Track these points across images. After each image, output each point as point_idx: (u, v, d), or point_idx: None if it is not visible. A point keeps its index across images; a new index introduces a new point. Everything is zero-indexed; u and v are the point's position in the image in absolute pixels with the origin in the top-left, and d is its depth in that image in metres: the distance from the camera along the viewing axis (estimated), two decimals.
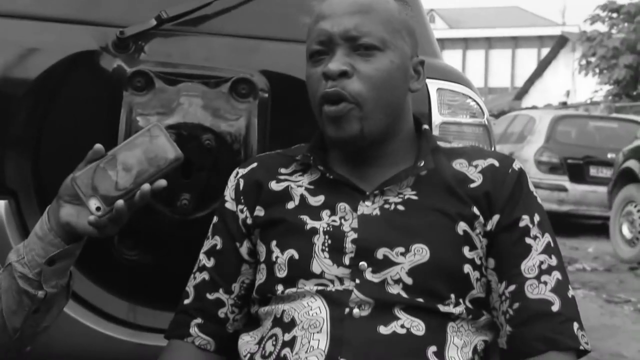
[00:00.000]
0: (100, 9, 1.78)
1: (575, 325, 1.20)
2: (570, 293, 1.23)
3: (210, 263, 1.33)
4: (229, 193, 1.35)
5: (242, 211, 1.32)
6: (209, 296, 1.31)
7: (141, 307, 1.75)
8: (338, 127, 1.22)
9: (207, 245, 1.35)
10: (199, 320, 1.30)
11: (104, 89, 1.70)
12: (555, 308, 1.19)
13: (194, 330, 1.30)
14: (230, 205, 1.34)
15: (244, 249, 1.32)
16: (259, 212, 1.30)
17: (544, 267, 1.22)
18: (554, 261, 1.23)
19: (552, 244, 1.25)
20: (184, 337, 1.31)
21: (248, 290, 1.32)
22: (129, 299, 1.75)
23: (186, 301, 1.33)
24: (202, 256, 1.35)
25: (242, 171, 1.36)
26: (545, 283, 1.21)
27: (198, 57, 1.75)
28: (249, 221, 1.31)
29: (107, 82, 1.70)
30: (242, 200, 1.32)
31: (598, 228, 8.87)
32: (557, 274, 1.22)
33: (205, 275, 1.32)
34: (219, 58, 1.75)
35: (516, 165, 1.28)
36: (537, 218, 1.25)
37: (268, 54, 1.78)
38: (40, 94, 1.70)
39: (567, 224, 8.23)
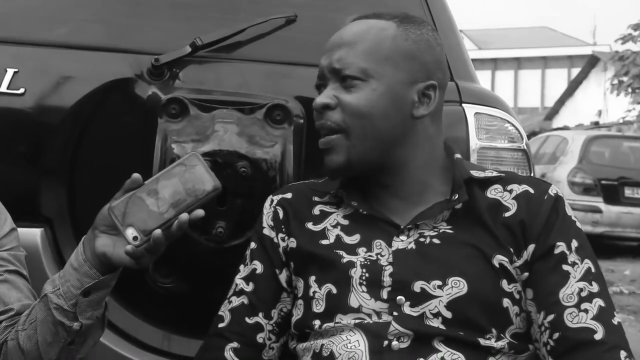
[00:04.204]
0: (135, 36, 1.79)
1: (623, 353, 1.14)
2: (616, 320, 1.18)
3: (249, 287, 1.31)
4: (266, 220, 1.34)
5: (283, 240, 1.31)
6: (248, 320, 1.29)
7: (176, 335, 1.73)
8: (327, 157, 1.25)
9: (245, 271, 1.33)
10: (235, 345, 1.28)
11: (139, 117, 1.70)
12: (598, 336, 1.14)
13: (229, 354, 1.28)
14: (268, 232, 1.33)
15: (283, 277, 1.31)
16: (292, 243, 1.30)
17: (583, 294, 1.17)
18: (595, 288, 1.19)
19: (592, 270, 1.20)
20: None
21: (285, 319, 1.31)
22: (164, 328, 1.74)
23: (221, 324, 1.31)
24: (239, 281, 1.33)
25: (276, 198, 1.35)
26: (586, 311, 1.16)
27: (232, 84, 1.75)
28: (288, 250, 1.30)
29: (141, 110, 1.70)
30: (283, 229, 1.32)
31: (634, 250, 8.70)
32: (599, 301, 1.17)
33: (244, 299, 1.30)
34: (254, 84, 1.74)
35: (552, 191, 1.25)
36: (575, 244, 1.21)
37: (302, 79, 1.76)
38: (76, 121, 1.70)
39: (602, 246, 8.07)
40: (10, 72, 1.68)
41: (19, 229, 1.38)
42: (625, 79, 16.67)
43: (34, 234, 1.66)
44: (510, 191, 1.25)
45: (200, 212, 1.17)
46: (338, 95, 1.24)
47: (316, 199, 1.32)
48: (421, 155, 1.26)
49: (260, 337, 1.29)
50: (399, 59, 1.24)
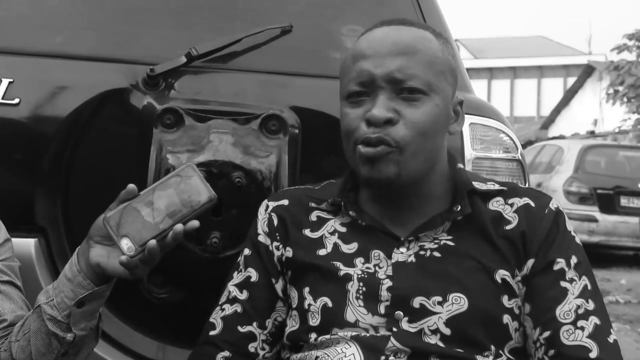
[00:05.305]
0: (130, 46, 1.79)
1: None
2: (612, 338, 1.17)
3: (243, 295, 1.28)
4: (261, 226, 1.32)
5: (277, 248, 1.29)
6: (241, 329, 1.27)
7: (171, 346, 1.72)
8: (373, 167, 1.18)
9: (238, 278, 1.31)
10: (226, 354, 1.26)
11: (134, 127, 1.70)
12: (593, 354, 1.13)
13: None
14: (263, 239, 1.30)
15: (279, 286, 1.29)
16: (288, 252, 1.27)
17: (580, 311, 1.16)
18: (591, 305, 1.17)
19: (589, 287, 1.19)
20: None
21: (279, 328, 1.29)
22: (159, 338, 1.73)
23: (212, 332, 1.28)
24: (232, 288, 1.30)
25: (272, 204, 1.33)
26: (582, 329, 1.15)
27: (228, 94, 1.74)
28: (284, 259, 1.28)
29: (137, 120, 1.69)
30: (278, 237, 1.29)
31: (630, 259, 8.71)
32: (594, 319, 1.16)
33: (237, 308, 1.28)
34: (249, 94, 1.74)
35: (552, 205, 1.23)
36: (574, 260, 1.20)
37: (298, 90, 1.77)
38: (71, 131, 1.70)
39: (597, 255, 8.07)
40: (5, 82, 1.68)
41: (13, 239, 1.38)
42: (620, 88, 16.73)
43: (28, 244, 1.65)
44: (512, 205, 1.23)
45: (195, 223, 1.17)
46: (398, 108, 1.16)
47: (313, 204, 1.30)
48: (438, 169, 1.24)
49: (252, 347, 1.27)
50: (448, 73, 1.21)
